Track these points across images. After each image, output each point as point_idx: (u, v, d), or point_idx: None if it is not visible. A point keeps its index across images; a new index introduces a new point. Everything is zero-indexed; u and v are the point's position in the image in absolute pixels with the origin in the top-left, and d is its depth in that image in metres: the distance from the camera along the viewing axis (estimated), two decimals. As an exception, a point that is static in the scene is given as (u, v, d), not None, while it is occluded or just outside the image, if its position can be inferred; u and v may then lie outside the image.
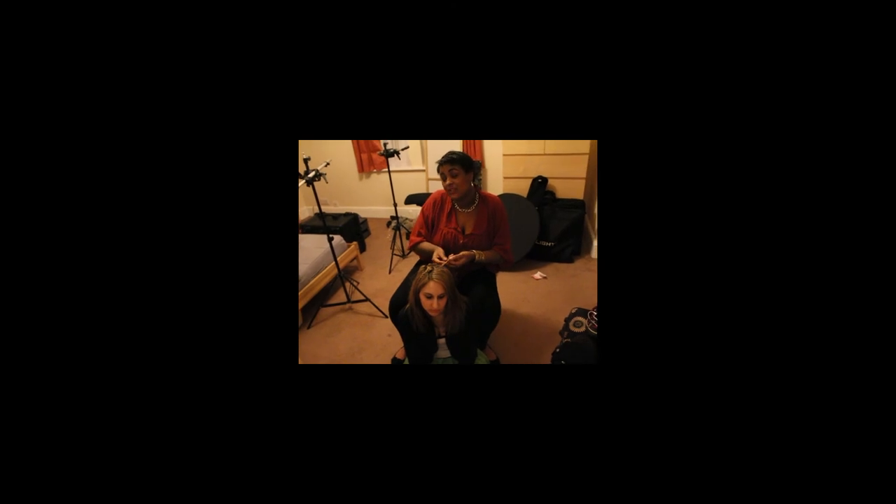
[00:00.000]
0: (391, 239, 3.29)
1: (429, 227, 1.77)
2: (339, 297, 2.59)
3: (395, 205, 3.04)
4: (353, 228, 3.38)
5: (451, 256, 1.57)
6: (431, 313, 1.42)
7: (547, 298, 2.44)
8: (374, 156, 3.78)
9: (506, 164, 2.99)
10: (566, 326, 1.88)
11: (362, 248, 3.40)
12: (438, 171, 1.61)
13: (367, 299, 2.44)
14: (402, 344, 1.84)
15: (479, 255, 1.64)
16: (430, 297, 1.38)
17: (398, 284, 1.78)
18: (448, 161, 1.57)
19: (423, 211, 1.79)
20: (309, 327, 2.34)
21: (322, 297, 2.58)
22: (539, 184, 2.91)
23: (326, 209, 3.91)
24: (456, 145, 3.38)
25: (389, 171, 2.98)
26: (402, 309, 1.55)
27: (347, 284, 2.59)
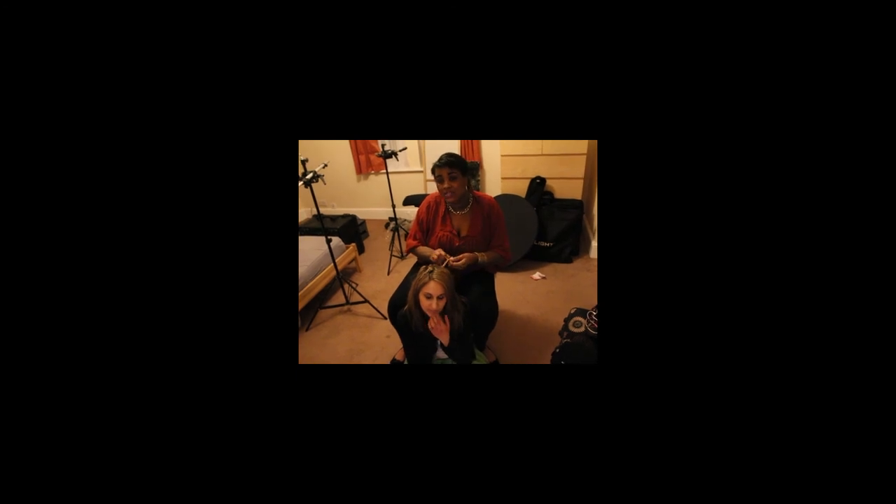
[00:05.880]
0: (390, 240, 3.28)
1: (424, 231, 1.76)
2: (338, 298, 2.58)
3: (394, 206, 3.04)
4: (351, 230, 3.37)
5: (454, 258, 1.57)
6: (430, 314, 1.42)
7: (546, 299, 2.44)
8: (372, 157, 3.78)
9: (504, 164, 2.99)
10: (565, 326, 1.88)
11: (361, 250, 3.39)
12: (435, 173, 1.59)
13: (365, 301, 2.43)
14: (401, 345, 1.83)
15: (481, 256, 1.64)
16: (429, 297, 1.38)
17: (397, 285, 1.77)
18: (448, 164, 1.55)
19: (417, 215, 1.78)
20: (307, 329, 2.33)
21: (320, 299, 2.57)
22: (537, 184, 2.92)
23: (325, 211, 3.91)
24: (454, 146, 3.39)
25: (388, 173, 2.98)
26: (401, 310, 1.55)
27: (346, 286, 2.59)
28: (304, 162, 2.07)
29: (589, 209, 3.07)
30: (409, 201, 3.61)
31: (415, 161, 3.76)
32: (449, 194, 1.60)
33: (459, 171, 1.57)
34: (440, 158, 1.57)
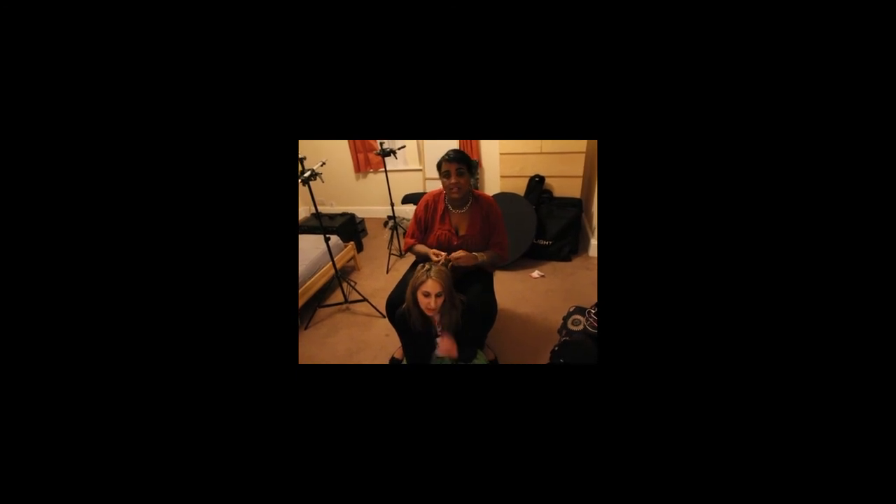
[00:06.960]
0: (388, 239, 3.28)
1: (422, 229, 1.76)
2: (337, 297, 2.58)
3: (392, 204, 3.04)
4: (349, 228, 3.37)
5: (454, 254, 1.57)
6: (428, 312, 1.42)
7: (545, 297, 2.45)
8: (371, 155, 3.77)
9: (503, 162, 2.99)
10: (564, 325, 1.89)
11: (359, 248, 3.39)
12: (441, 168, 1.59)
13: (364, 299, 2.43)
14: (400, 344, 1.83)
15: (480, 256, 1.64)
16: (427, 295, 1.38)
17: (395, 284, 1.77)
18: (456, 159, 1.55)
19: (415, 213, 1.78)
20: (306, 328, 2.33)
21: (319, 298, 2.57)
22: (536, 182, 2.92)
23: (323, 209, 3.90)
24: (453, 144, 3.38)
25: (386, 171, 2.98)
26: (400, 308, 1.55)
27: (345, 284, 2.58)
28: (301, 160, 2.06)
29: (588, 207, 3.07)
30: (407, 199, 3.60)
31: (413, 159, 3.76)
32: (455, 190, 1.60)
33: (466, 167, 1.57)
34: (447, 154, 1.57)
